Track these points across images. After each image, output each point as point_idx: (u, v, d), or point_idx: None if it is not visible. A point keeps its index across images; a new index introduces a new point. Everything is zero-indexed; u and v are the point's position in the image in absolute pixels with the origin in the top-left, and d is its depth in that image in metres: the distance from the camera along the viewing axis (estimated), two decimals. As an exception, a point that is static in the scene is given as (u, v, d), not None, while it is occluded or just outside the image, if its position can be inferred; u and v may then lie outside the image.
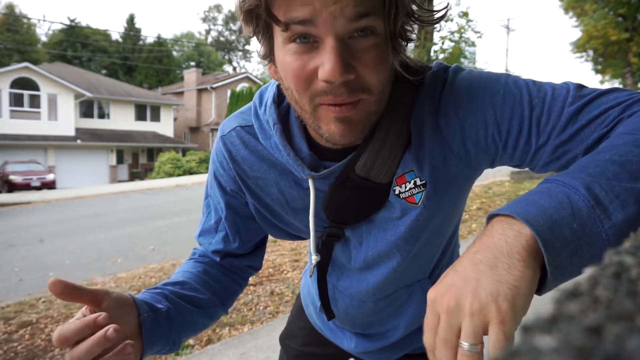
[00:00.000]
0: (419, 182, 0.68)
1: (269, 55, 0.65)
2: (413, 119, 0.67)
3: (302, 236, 0.84)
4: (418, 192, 0.69)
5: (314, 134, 0.71)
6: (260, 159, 0.75)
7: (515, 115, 0.62)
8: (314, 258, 0.77)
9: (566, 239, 0.44)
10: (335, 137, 0.62)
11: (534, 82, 0.64)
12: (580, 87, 0.62)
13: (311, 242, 0.75)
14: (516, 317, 0.42)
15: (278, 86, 0.73)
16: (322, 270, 0.84)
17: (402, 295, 0.85)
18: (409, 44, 0.65)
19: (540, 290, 0.47)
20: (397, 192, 0.70)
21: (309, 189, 0.72)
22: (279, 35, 0.59)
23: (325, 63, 0.55)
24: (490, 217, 0.50)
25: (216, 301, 0.82)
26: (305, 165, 0.70)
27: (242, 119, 0.77)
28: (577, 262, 0.45)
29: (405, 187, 0.69)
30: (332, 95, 0.58)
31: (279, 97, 0.73)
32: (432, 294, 0.48)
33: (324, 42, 0.56)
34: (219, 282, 0.84)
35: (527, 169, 0.68)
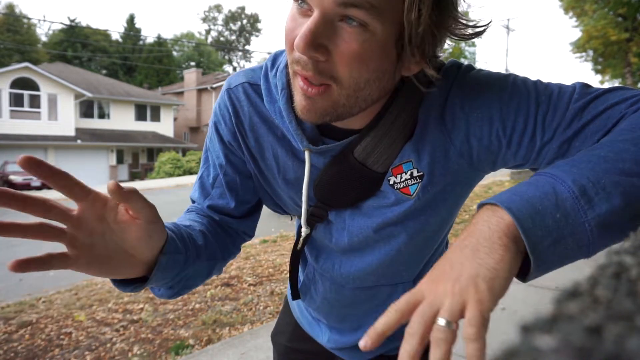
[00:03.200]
0: (415, 174, 0.68)
1: None
2: (421, 112, 0.67)
3: (285, 209, 0.83)
4: (414, 184, 0.68)
5: None
6: (262, 120, 0.73)
7: (521, 112, 0.62)
8: (304, 231, 0.76)
9: (548, 228, 0.46)
10: (298, 110, 0.62)
11: (541, 81, 0.65)
12: (587, 86, 0.63)
13: (302, 215, 0.75)
14: (493, 298, 0.43)
15: None
16: (296, 250, 0.83)
17: (383, 293, 0.84)
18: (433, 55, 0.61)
19: (526, 277, 0.48)
20: (391, 182, 0.69)
21: (304, 161, 0.71)
22: None
23: (301, 31, 0.55)
24: (480, 206, 0.52)
25: (219, 255, 0.78)
26: (304, 137, 0.68)
27: (251, 76, 0.75)
28: (561, 252, 0.47)
29: (401, 178, 0.68)
30: (299, 66, 0.57)
31: None
32: (424, 280, 0.48)
33: (312, 12, 0.56)
34: (220, 237, 0.80)
35: (527, 169, 0.68)
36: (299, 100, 0.61)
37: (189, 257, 0.68)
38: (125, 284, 0.63)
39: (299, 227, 0.80)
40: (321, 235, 0.80)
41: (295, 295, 0.89)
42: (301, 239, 0.79)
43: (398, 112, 0.66)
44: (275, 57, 0.75)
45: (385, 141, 0.67)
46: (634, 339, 0.12)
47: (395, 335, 0.96)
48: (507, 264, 0.45)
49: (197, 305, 3.60)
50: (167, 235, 0.61)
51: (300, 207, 0.75)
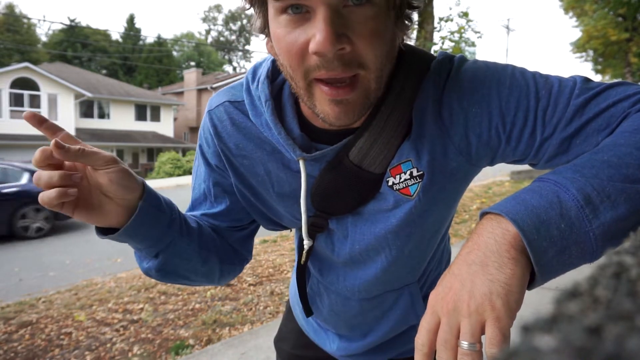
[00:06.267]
0: (415, 173, 0.66)
1: (264, 29, 0.62)
2: (415, 108, 0.64)
3: (283, 224, 0.81)
4: (414, 184, 0.66)
5: (307, 113, 0.67)
6: (247, 138, 0.71)
7: (521, 107, 0.60)
8: (306, 243, 0.74)
9: (553, 238, 0.46)
10: (330, 119, 0.59)
11: (540, 74, 0.63)
12: (588, 80, 0.61)
13: (303, 227, 0.72)
14: (510, 314, 0.44)
15: (273, 62, 0.69)
16: (303, 264, 0.81)
17: (389, 299, 0.83)
18: (412, 20, 0.62)
19: (529, 285, 0.48)
20: (390, 183, 0.67)
21: (298, 171, 0.69)
22: (271, 5, 0.56)
23: (316, 34, 0.52)
24: (483, 215, 0.51)
25: (212, 249, 0.77)
26: (296, 146, 0.66)
27: (231, 94, 0.73)
28: (565, 261, 0.47)
29: (400, 178, 0.66)
30: (325, 69, 0.54)
31: (273, 73, 0.69)
32: (432, 297, 0.49)
33: (316, 11, 0.53)
34: (216, 238, 0.79)
35: (527, 167, 0.67)
36: (327, 109, 0.58)
37: (173, 223, 0.69)
38: (109, 232, 0.66)
39: (299, 240, 0.78)
40: (322, 246, 0.78)
41: (308, 312, 0.87)
42: (304, 252, 0.77)
43: (391, 109, 0.64)
44: (254, 70, 0.72)
45: (381, 140, 0.64)
46: (634, 339, 0.12)
47: (403, 340, 0.96)
48: (519, 279, 0.45)
49: (197, 305, 3.60)
50: (144, 185, 0.65)
51: (299, 220, 0.73)
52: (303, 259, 0.79)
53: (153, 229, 0.66)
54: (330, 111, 0.58)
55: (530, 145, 0.61)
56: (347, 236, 0.74)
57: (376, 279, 0.78)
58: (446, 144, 0.65)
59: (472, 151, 0.65)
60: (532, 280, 0.48)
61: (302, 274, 0.83)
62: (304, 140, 0.68)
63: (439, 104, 0.64)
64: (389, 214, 0.70)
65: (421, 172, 0.66)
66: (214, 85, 27.71)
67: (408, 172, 0.66)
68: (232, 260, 0.82)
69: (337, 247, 0.76)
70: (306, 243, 0.74)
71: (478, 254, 0.47)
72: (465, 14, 8.87)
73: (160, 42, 43.49)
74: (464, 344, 0.44)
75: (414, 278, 0.83)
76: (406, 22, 0.61)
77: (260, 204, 0.77)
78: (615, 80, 0.62)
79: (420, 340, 0.48)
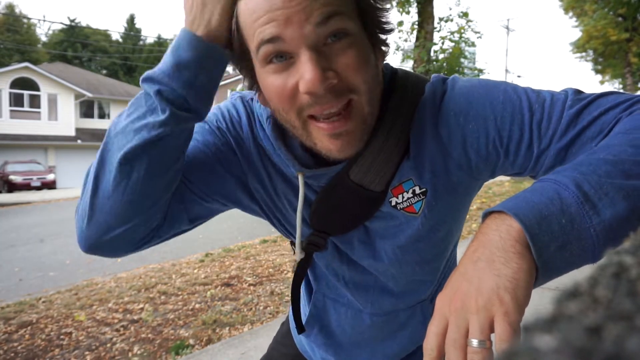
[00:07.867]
0: (418, 191, 0.67)
1: (253, 85, 0.64)
2: (413, 128, 0.66)
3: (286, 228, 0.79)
4: (417, 201, 0.68)
5: None
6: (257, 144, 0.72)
7: (516, 121, 0.61)
8: (298, 255, 0.74)
9: (554, 233, 0.46)
10: (333, 154, 0.61)
11: (532, 89, 0.65)
12: (579, 91, 0.63)
13: (297, 238, 0.72)
14: (519, 308, 0.43)
15: None
16: (297, 279, 0.81)
17: (401, 317, 0.83)
18: (389, 38, 0.65)
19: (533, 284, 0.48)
20: (393, 203, 0.68)
21: (297, 187, 0.69)
22: (256, 60, 0.59)
23: (304, 74, 0.55)
24: (485, 215, 0.52)
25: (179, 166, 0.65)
26: (296, 161, 0.67)
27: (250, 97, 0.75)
28: (566, 257, 0.47)
29: (403, 198, 0.68)
30: (318, 105, 0.57)
31: None
32: (439, 300, 0.49)
33: (299, 55, 0.55)
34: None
35: (526, 176, 0.68)
36: (328, 144, 0.60)
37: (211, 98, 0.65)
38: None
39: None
40: (331, 261, 0.78)
41: (300, 328, 0.86)
42: (295, 263, 0.77)
43: (389, 129, 0.65)
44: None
45: (380, 159, 0.66)
46: (634, 339, 0.12)
47: (403, 346, 0.94)
48: (526, 273, 0.45)
49: (197, 305, 3.60)
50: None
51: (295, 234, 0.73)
52: (293, 270, 0.78)
53: (217, 68, 0.62)
54: (331, 145, 0.60)
55: (528, 158, 0.62)
56: (354, 253, 0.75)
57: (389, 294, 0.79)
58: (446, 160, 0.66)
59: (472, 166, 0.66)
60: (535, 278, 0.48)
61: (297, 287, 0.82)
62: (306, 158, 0.69)
63: (436, 122, 0.66)
64: (397, 230, 0.71)
65: (424, 189, 0.67)
66: (214, 85, 27.70)
67: (410, 191, 0.68)
68: (160, 223, 0.68)
69: (347, 263, 0.77)
70: (298, 255, 0.75)
71: (484, 251, 0.47)
72: (465, 14, 8.89)
73: (160, 42, 43.49)
74: (474, 341, 0.43)
75: (425, 294, 0.83)
76: (382, 47, 0.64)
77: (269, 211, 0.77)
78: (606, 90, 0.63)
79: (429, 344, 0.47)
